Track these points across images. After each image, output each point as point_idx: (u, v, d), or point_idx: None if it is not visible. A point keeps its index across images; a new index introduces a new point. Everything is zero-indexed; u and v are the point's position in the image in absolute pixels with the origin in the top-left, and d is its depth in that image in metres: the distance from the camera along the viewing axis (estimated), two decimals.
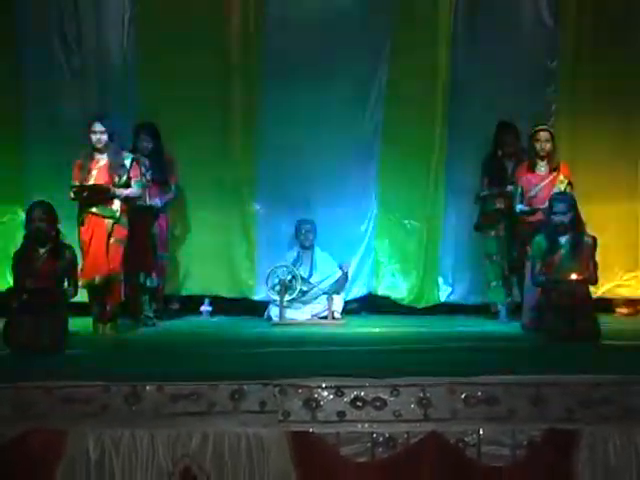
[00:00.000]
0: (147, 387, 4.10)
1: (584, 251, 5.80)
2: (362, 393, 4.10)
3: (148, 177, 7.00)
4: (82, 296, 6.19)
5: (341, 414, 4.08)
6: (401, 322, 7.13)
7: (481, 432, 4.04)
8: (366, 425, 4.07)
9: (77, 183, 6.34)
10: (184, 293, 7.73)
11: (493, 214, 7.15)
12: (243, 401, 4.08)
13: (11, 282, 5.73)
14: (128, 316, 6.81)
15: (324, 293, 7.35)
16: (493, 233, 7.17)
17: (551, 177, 6.65)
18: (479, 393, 4.08)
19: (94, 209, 6.32)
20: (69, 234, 5.89)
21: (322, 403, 4.08)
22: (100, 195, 6.29)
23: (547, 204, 6.05)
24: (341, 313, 7.38)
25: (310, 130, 7.53)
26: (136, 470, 4.00)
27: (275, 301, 7.24)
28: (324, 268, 7.45)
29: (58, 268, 5.47)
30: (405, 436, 4.04)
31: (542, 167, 6.70)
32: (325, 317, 7.28)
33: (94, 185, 6.31)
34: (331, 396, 4.09)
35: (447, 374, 4.19)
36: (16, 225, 7.25)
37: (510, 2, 7.66)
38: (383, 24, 7.56)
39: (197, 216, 7.65)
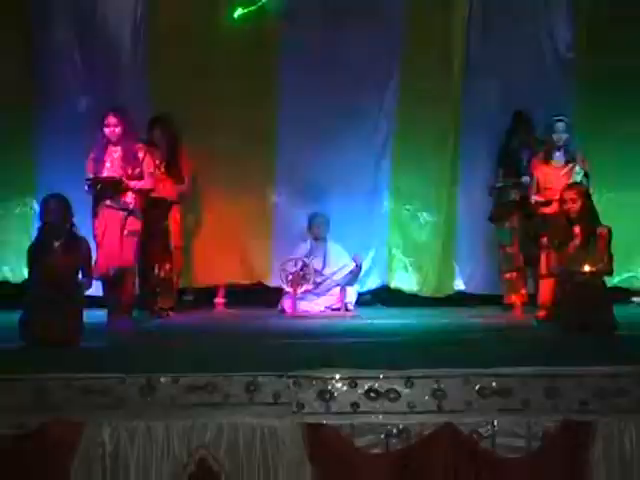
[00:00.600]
0: (162, 379, 4.11)
1: (598, 242, 5.77)
2: (376, 384, 4.10)
3: (162, 169, 7.02)
4: (97, 288, 6.22)
5: (355, 405, 4.08)
6: (415, 314, 7.13)
7: (495, 423, 4.04)
8: (380, 416, 4.07)
9: (91, 176, 6.36)
10: (199, 284, 7.74)
11: (508, 205, 7.12)
12: (257, 393, 4.09)
13: (26, 275, 5.75)
14: (142, 308, 6.83)
15: (337, 285, 7.35)
16: (507, 224, 7.16)
17: (567, 168, 6.62)
18: (493, 384, 4.08)
19: (108, 202, 6.34)
20: (82, 227, 5.91)
21: (336, 394, 4.09)
22: (113, 188, 6.31)
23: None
24: (354, 305, 7.38)
25: (327, 123, 7.52)
26: (151, 461, 4.02)
27: (288, 293, 7.25)
28: (337, 260, 7.45)
29: (73, 261, 5.48)
30: (419, 428, 4.05)
31: (558, 158, 6.67)
32: (338, 309, 7.29)
33: (107, 178, 6.33)
34: (345, 387, 4.10)
35: (461, 365, 4.18)
36: (29, 217, 7.27)
37: None
38: (397, 17, 7.53)
39: (212, 207, 7.66)
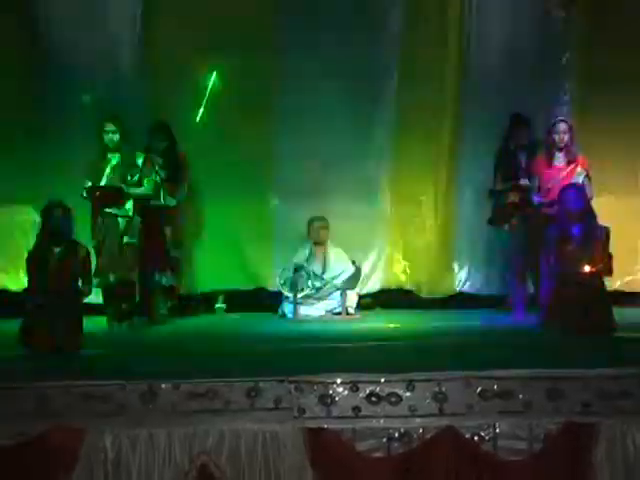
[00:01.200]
0: (163, 385, 4.11)
1: (596, 242, 5.77)
2: (377, 388, 4.09)
3: (162, 176, 7.02)
4: (97, 295, 6.22)
5: (356, 409, 4.08)
6: (415, 317, 7.12)
7: (497, 426, 4.03)
8: (381, 420, 4.07)
9: (90, 183, 6.36)
10: (199, 290, 7.73)
11: (507, 208, 7.12)
12: (259, 398, 4.09)
13: (25, 282, 5.75)
14: (143, 315, 6.83)
15: (338, 289, 7.35)
16: (507, 227, 7.15)
17: (569, 169, 6.63)
18: (495, 387, 4.07)
19: (107, 209, 6.34)
20: (81, 234, 5.92)
21: (337, 399, 4.08)
22: (112, 195, 6.31)
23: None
24: (355, 308, 7.38)
25: (326, 127, 7.52)
26: (153, 468, 4.02)
27: (288, 298, 7.25)
28: (337, 264, 7.44)
29: (73, 267, 5.48)
30: (421, 431, 4.04)
31: (560, 159, 6.68)
32: (339, 313, 7.28)
33: (107, 186, 6.33)
34: (346, 392, 4.09)
35: (462, 368, 4.18)
36: (29, 225, 7.27)
37: None
38: (395, 19, 7.54)
39: (212, 212, 7.65)
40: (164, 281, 7.03)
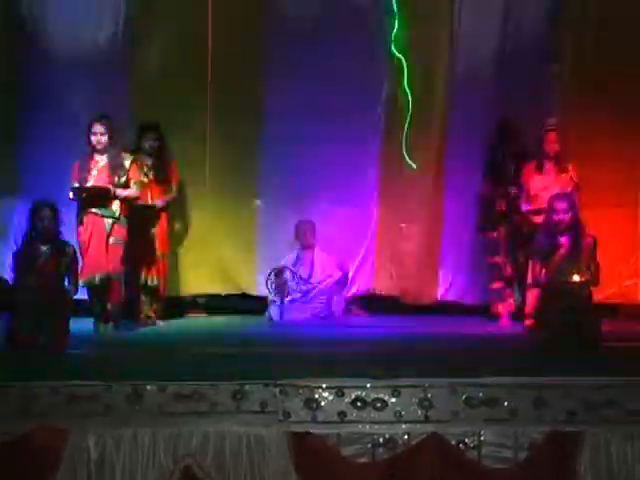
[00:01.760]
0: (148, 387, 4.10)
1: (584, 251, 5.79)
2: (363, 394, 4.10)
3: (150, 176, 7.01)
4: (83, 295, 6.20)
5: (342, 414, 4.08)
6: (402, 322, 7.13)
7: (482, 434, 4.04)
8: (367, 426, 4.07)
9: (76, 184, 6.34)
10: (184, 293, 7.71)
11: (495, 215, 7.14)
12: (244, 401, 4.08)
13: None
14: (129, 316, 6.80)
15: (324, 293, 7.35)
16: (495, 234, 7.17)
17: (558, 178, 6.65)
18: (480, 394, 4.08)
19: (94, 209, 6.32)
20: (67, 233, 5.90)
21: (323, 403, 4.08)
22: (100, 196, 6.29)
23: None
24: (341, 313, 7.38)
25: (311, 129, 7.51)
26: (137, 469, 4.01)
27: (275, 302, 7.24)
28: (324, 268, 7.45)
29: (60, 267, 5.47)
30: (406, 437, 4.05)
31: (550, 168, 6.70)
32: (325, 317, 7.28)
33: (94, 186, 6.31)
34: (332, 396, 4.09)
35: (448, 375, 4.18)
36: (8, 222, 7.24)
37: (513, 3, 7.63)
38: (383, 25, 7.55)
39: (196, 216, 7.63)
40: (150, 282, 7.01)
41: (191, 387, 4.10)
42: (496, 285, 7.20)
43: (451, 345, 5.67)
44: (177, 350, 5.49)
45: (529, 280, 6.30)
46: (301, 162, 7.54)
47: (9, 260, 5.72)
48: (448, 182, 7.67)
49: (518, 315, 6.86)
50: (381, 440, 4.04)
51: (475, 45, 7.58)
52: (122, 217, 6.39)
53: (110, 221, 6.33)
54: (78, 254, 5.83)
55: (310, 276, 7.44)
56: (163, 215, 7.15)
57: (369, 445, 4.05)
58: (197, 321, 7.44)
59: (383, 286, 7.86)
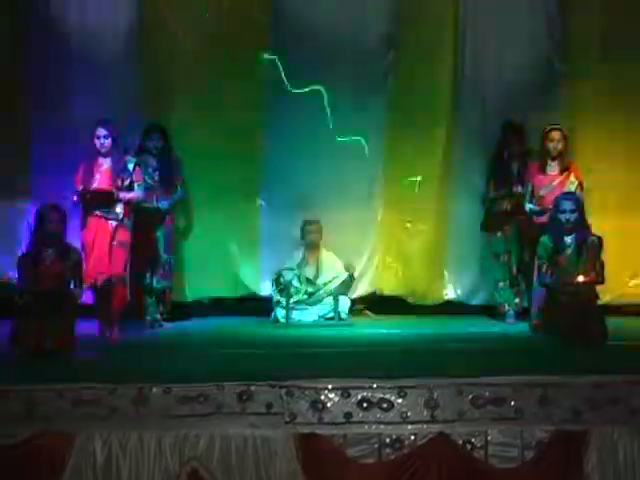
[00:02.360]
0: (154, 389, 4.10)
1: (590, 251, 5.78)
2: (369, 394, 4.09)
3: (155, 178, 7.00)
4: (87, 298, 6.21)
5: (348, 415, 4.08)
6: (408, 323, 7.12)
7: (489, 433, 4.03)
8: (373, 426, 4.07)
9: (80, 187, 6.35)
10: (189, 295, 7.70)
11: (500, 215, 7.13)
12: (250, 403, 4.08)
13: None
14: (134, 318, 6.81)
15: (330, 294, 7.34)
16: (500, 234, 7.16)
17: (562, 177, 6.64)
18: (486, 394, 4.08)
19: (97, 212, 6.33)
20: (71, 236, 5.91)
21: (329, 405, 4.08)
22: (104, 199, 6.30)
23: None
24: (347, 314, 7.37)
25: (315, 129, 7.51)
26: (143, 472, 4.02)
27: (281, 303, 7.24)
28: (330, 269, 7.44)
29: (65, 269, 5.48)
30: (412, 437, 4.04)
31: (553, 167, 6.69)
32: (331, 318, 7.27)
33: (98, 190, 6.32)
34: (338, 397, 4.09)
35: (454, 375, 4.17)
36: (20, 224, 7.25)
37: (516, 3, 7.62)
38: (389, 28, 7.55)
39: (201, 216, 7.62)
40: (155, 284, 7.01)
41: (197, 389, 4.09)
42: (501, 284, 7.18)
43: (457, 345, 5.66)
44: (182, 352, 5.49)
45: (535, 280, 6.28)
46: (305, 161, 7.53)
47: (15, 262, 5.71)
48: (455, 181, 7.66)
49: (524, 315, 6.85)
50: (387, 440, 4.04)
51: (480, 46, 7.57)
52: (126, 220, 6.39)
53: (114, 224, 6.34)
54: (83, 258, 5.84)
55: (316, 277, 7.43)
56: (168, 217, 7.15)
57: (375, 446, 4.04)
58: (203, 323, 7.43)
59: (389, 286, 7.85)
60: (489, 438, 4.03)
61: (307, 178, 7.56)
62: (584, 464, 3.98)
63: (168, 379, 4.19)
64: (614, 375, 4.20)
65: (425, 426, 4.05)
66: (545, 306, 5.90)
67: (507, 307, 7.15)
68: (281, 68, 7.44)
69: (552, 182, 6.63)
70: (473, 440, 4.02)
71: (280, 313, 7.23)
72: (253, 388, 4.10)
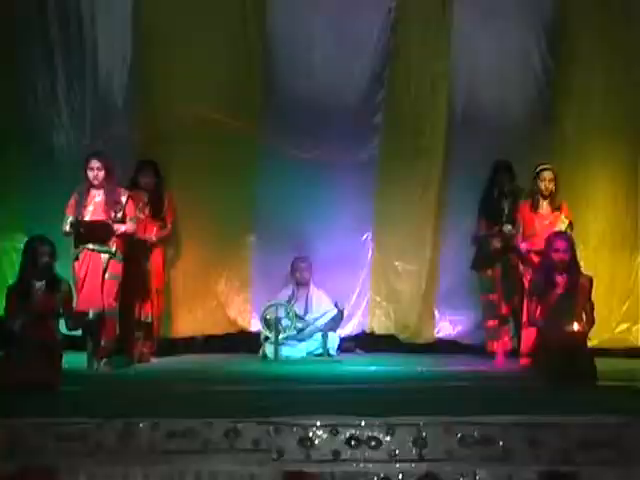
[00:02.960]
0: (140, 424, 4.05)
1: (580, 291, 5.79)
2: (357, 432, 4.06)
3: (146, 212, 7.02)
4: (76, 331, 6.17)
5: (336, 453, 4.04)
6: (397, 360, 7.11)
7: (477, 473, 4.00)
8: (361, 465, 4.03)
9: (71, 218, 6.34)
10: (178, 330, 7.65)
11: (490, 254, 7.14)
12: (237, 439, 4.04)
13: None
14: (122, 352, 6.77)
15: (319, 331, 7.33)
16: (490, 272, 7.17)
17: (553, 217, 6.67)
18: (475, 433, 4.05)
19: (90, 245, 6.31)
20: (63, 270, 5.88)
21: (317, 442, 4.04)
22: (100, 231, 6.29)
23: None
24: (336, 351, 7.35)
25: (307, 168, 7.55)
26: None
27: (270, 338, 7.21)
28: (319, 306, 7.44)
29: (54, 302, 5.45)
30: (400, 476, 3.99)
31: (544, 207, 6.72)
32: (320, 355, 7.25)
33: (95, 221, 6.31)
34: (326, 435, 4.05)
35: (443, 413, 4.15)
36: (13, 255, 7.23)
37: (509, 46, 7.69)
38: (381, 68, 7.61)
39: (192, 250, 7.62)
40: (144, 318, 6.98)
41: (184, 424, 4.05)
42: (491, 323, 7.18)
43: (446, 383, 5.64)
44: (170, 387, 5.45)
45: (524, 319, 6.28)
46: (296, 199, 7.55)
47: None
48: (445, 220, 7.69)
49: (513, 353, 6.84)
50: (375, 479, 3.99)
51: (474, 83, 7.65)
52: (118, 252, 6.38)
53: (106, 256, 6.33)
54: (73, 291, 5.81)
55: (305, 313, 7.42)
56: (158, 250, 7.15)
57: None
58: (191, 358, 7.40)
59: (379, 324, 7.84)
60: (477, 478, 3.99)
61: (299, 216, 7.58)
62: None
63: (155, 414, 4.15)
64: (605, 416, 4.18)
65: (413, 465, 4.02)
66: (535, 345, 5.90)
67: (496, 345, 7.14)
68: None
69: (543, 221, 6.65)
70: None
71: (269, 349, 7.21)
72: (240, 425, 4.06)
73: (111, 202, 6.40)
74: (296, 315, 7.31)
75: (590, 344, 6.06)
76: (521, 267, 6.78)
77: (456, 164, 7.63)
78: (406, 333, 7.77)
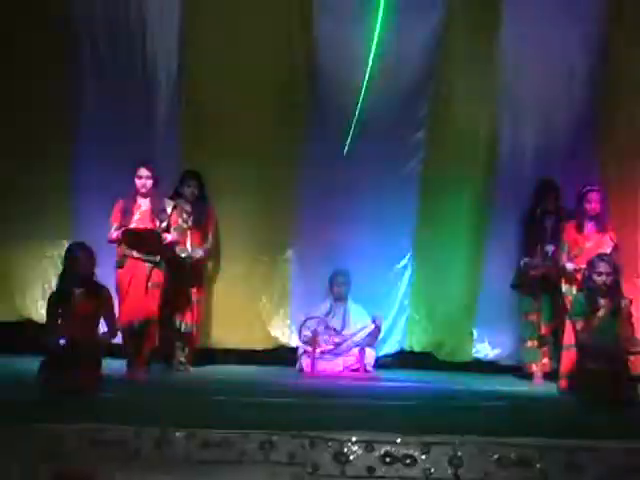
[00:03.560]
0: (177, 433, 4.08)
1: (623, 314, 5.73)
2: (393, 449, 4.04)
3: (190, 223, 7.05)
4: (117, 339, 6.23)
5: (371, 469, 4.02)
6: (434, 378, 7.06)
7: None
8: None
9: (116, 224, 6.41)
10: (216, 341, 7.68)
11: (531, 274, 7.07)
12: (272, 451, 4.04)
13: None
14: (161, 360, 6.81)
15: (357, 346, 7.31)
16: (530, 292, 7.11)
17: (598, 238, 6.60)
18: (512, 455, 4.01)
19: (135, 253, 6.37)
20: (105, 277, 5.95)
21: (352, 457, 4.03)
22: (147, 240, 6.34)
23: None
24: (373, 366, 7.33)
25: (348, 182, 7.55)
26: None
27: (307, 352, 7.22)
28: (357, 320, 7.42)
29: (93, 309, 5.50)
30: None
31: (590, 228, 6.66)
32: (357, 370, 7.23)
33: (144, 229, 6.36)
34: (361, 451, 4.04)
35: (480, 433, 4.12)
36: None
37: (556, 63, 7.63)
38: (425, 84, 7.61)
39: (231, 264, 7.64)
40: (184, 328, 7.02)
41: (220, 435, 4.07)
42: (530, 344, 7.11)
43: (483, 403, 5.59)
44: (207, 397, 5.47)
45: (565, 340, 6.22)
46: (335, 213, 7.56)
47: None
48: (486, 241, 7.63)
49: (553, 375, 6.77)
50: None
51: (518, 108, 7.58)
52: (162, 262, 6.44)
53: (150, 265, 6.39)
54: (114, 297, 5.87)
55: (343, 328, 7.41)
56: (201, 262, 7.17)
57: None
58: (228, 369, 7.42)
59: (417, 342, 7.81)
60: None
61: (338, 230, 7.58)
62: None
63: (191, 424, 4.17)
64: None
65: None
66: (575, 367, 5.83)
67: (535, 367, 7.07)
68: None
69: (588, 242, 6.59)
70: None
71: (306, 363, 7.21)
72: (276, 437, 4.06)
73: (157, 211, 6.47)
74: (334, 329, 7.30)
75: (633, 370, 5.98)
76: (563, 287, 6.71)
77: (500, 181, 7.57)
78: (444, 351, 7.72)
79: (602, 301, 5.75)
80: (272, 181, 7.55)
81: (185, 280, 7.02)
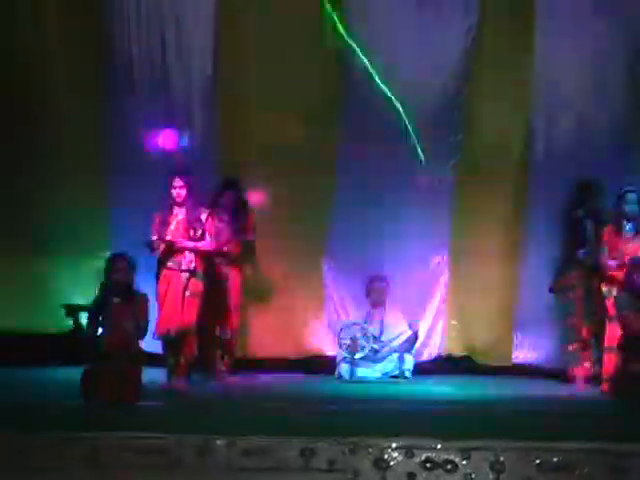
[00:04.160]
0: (218, 441, 4.10)
1: None
2: (433, 455, 4.02)
3: (228, 231, 7.07)
4: (156, 347, 6.28)
5: (411, 476, 4.01)
6: (474, 383, 7.02)
7: None
8: None
9: (155, 237, 6.47)
10: (254, 349, 7.69)
11: (570, 276, 7.01)
12: (313, 458, 4.04)
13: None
14: (201, 369, 6.85)
15: (395, 352, 7.30)
16: (571, 295, 7.04)
17: (637, 239, 6.53)
18: (554, 459, 3.97)
19: (169, 263, 6.43)
20: (146, 286, 5.99)
21: (392, 463, 4.02)
22: (178, 249, 6.40)
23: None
24: (412, 372, 7.30)
25: (383, 187, 7.55)
26: None
27: (346, 359, 7.21)
28: (395, 327, 7.41)
29: (130, 314, 5.53)
30: None
31: (629, 229, 6.59)
32: (396, 376, 7.21)
33: (173, 240, 6.41)
34: (401, 457, 4.03)
35: (521, 438, 4.09)
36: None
37: (591, 62, 7.57)
38: (460, 87, 7.59)
39: (268, 271, 7.66)
40: (223, 336, 7.05)
41: (260, 442, 4.08)
42: (572, 347, 7.04)
43: (524, 407, 5.55)
44: (246, 405, 5.50)
45: (606, 343, 6.14)
46: (371, 218, 7.54)
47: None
48: (524, 244, 7.57)
49: (594, 379, 6.70)
50: None
51: (557, 107, 7.53)
52: (198, 271, 6.48)
53: (187, 275, 6.43)
54: (151, 303, 5.88)
55: (381, 334, 7.40)
56: (236, 268, 7.19)
57: None
58: (266, 377, 7.44)
59: (456, 347, 7.77)
60: None
61: (374, 236, 7.57)
62: None
63: (232, 432, 4.19)
64: None
65: None
66: (617, 370, 5.77)
67: (577, 371, 7.00)
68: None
69: (627, 243, 6.51)
70: None
71: (344, 369, 7.20)
72: (316, 444, 4.06)
73: (192, 220, 6.52)
74: (372, 336, 7.29)
75: None
76: (603, 290, 6.63)
77: (537, 182, 7.52)
78: (484, 356, 7.67)
79: None
80: (308, 188, 7.56)
81: (224, 288, 7.05)
